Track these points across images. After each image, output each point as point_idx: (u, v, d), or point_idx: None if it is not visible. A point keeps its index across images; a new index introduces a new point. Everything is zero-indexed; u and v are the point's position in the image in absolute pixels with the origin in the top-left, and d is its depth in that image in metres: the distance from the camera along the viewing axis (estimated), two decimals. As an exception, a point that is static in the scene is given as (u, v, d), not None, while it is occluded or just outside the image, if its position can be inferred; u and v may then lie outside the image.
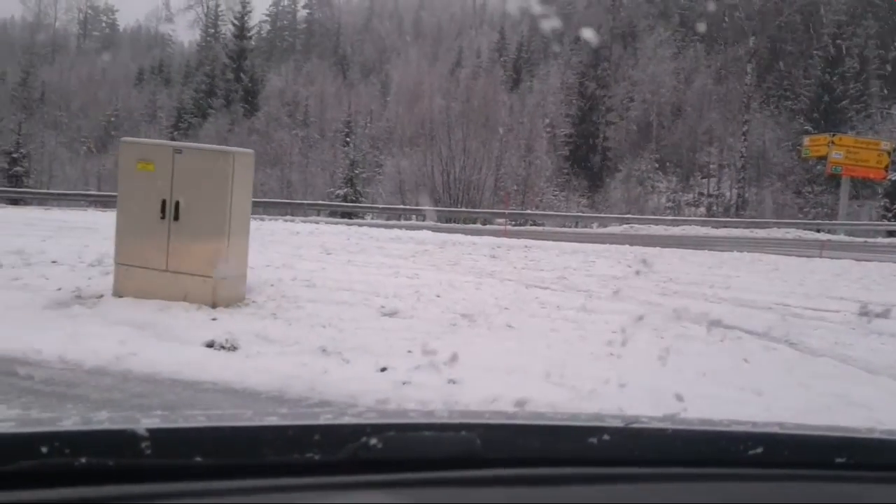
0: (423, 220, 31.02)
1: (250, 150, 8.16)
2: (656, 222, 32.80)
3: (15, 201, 29.11)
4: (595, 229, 32.17)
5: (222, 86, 62.60)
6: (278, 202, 34.62)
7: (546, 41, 76.62)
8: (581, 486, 1.04)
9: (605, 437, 1.15)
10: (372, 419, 1.13)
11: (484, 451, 1.03)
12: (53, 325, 6.28)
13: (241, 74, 62.35)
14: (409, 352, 5.89)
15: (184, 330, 6.32)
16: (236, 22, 66.24)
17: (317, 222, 25.28)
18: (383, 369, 5.29)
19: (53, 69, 73.23)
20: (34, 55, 75.49)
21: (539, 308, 8.31)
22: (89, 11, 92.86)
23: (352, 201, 35.75)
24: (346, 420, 1.11)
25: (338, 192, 36.80)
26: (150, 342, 5.86)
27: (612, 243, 19.69)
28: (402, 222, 29.90)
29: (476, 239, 19.55)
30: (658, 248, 18.87)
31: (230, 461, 0.97)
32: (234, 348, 5.76)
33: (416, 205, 36.66)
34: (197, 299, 7.42)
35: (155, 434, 0.98)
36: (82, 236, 13.86)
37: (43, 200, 30.19)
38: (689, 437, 1.22)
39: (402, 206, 34.26)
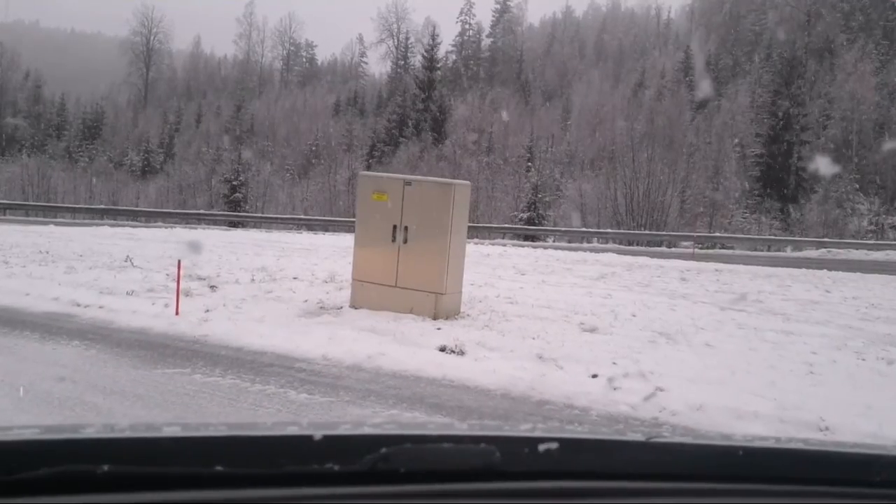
0: (607, 243, 31.24)
1: (467, 182, 9.19)
2: (856, 246, 30.87)
3: (234, 224, 32.71)
4: (789, 253, 30.79)
5: (412, 115, 66.00)
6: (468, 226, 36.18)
7: (734, 59, 73.94)
8: (601, 499, 1.04)
9: (627, 451, 1.17)
10: (391, 430, 1.16)
11: (503, 464, 1.03)
12: (311, 330, 7.54)
13: (430, 104, 65.58)
14: (615, 363, 6.54)
15: (417, 336, 7.36)
16: (426, 54, 69.79)
17: (504, 245, 26.37)
18: (594, 376, 5.98)
19: (261, 102, 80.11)
20: (244, 90, 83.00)
21: (736, 329, 8.63)
22: (291, 48, 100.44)
23: (535, 224, 36.63)
24: (366, 431, 1.13)
25: (521, 215, 37.86)
26: (393, 346, 6.93)
27: (807, 268, 19.06)
28: (585, 245, 30.30)
29: (663, 262, 19.65)
30: (858, 274, 18.05)
31: (250, 470, 0.97)
32: (461, 353, 6.70)
33: (598, 227, 36.90)
34: (422, 312, 8.50)
35: (176, 442, 1.02)
36: (306, 256, 15.70)
37: (258, 224, 33.67)
38: (711, 452, 1.22)
39: (584, 229, 34.59)
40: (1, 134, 63.33)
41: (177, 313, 7.92)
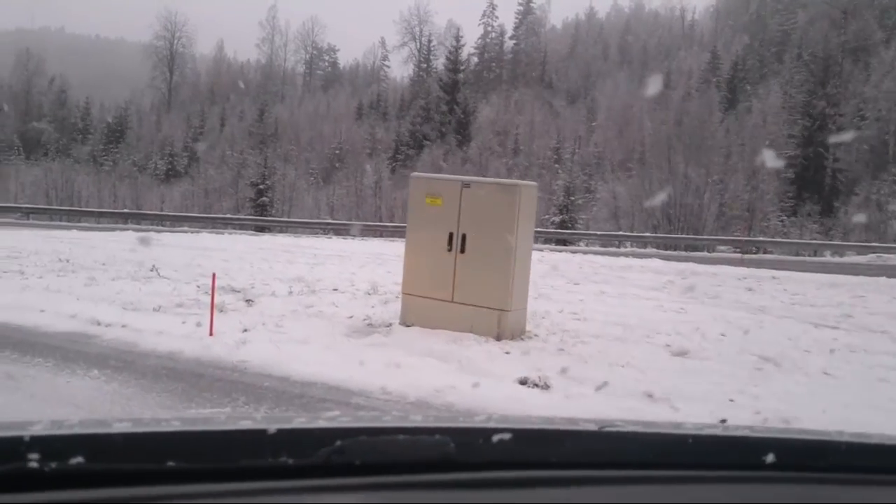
0: (645, 248, 30.06)
1: (534, 183, 8.16)
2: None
3: (260, 228, 31.87)
4: (830, 258, 29.39)
5: (436, 118, 65.14)
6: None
7: (763, 60, 72.36)
8: (554, 488, 1.05)
9: (580, 440, 1.17)
10: (346, 423, 1.13)
11: (458, 455, 1.03)
12: (363, 355, 6.54)
13: (455, 106, 64.64)
14: (732, 400, 5.48)
15: (486, 363, 6.34)
16: (450, 56, 68.97)
17: (540, 250, 25.29)
18: (723, 420, 4.92)
19: (284, 107, 79.86)
20: (267, 94, 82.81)
21: (849, 353, 7.51)
22: (314, 52, 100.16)
23: (567, 228, 35.48)
24: (320, 424, 1.10)
25: (553, 218, 36.71)
26: (461, 376, 5.91)
27: (864, 274, 17.80)
28: (623, 249, 29.15)
29: (713, 269, 18.48)
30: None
31: (203, 465, 0.96)
32: (546, 386, 5.66)
33: (632, 231, 35.69)
34: (482, 331, 7.48)
35: (127, 438, 0.98)
36: (341, 263, 14.75)
37: (284, 228, 32.80)
38: (662, 440, 1.22)
39: (624, 233, 33.42)
40: (27, 138, 63.23)
41: (211, 333, 6.96)
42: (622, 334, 8.06)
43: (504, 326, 7.53)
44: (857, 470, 1.20)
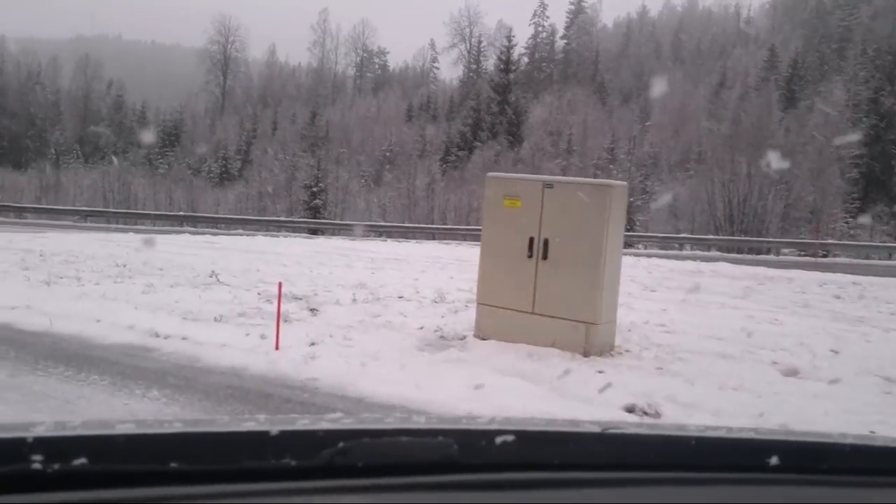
0: (709, 250, 28.92)
1: (624, 183, 7.46)
2: None
3: (314, 231, 31.61)
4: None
5: (487, 119, 64.47)
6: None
7: (823, 57, 70.01)
8: (557, 490, 1.04)
9: (583, 442, 1.17)
10: (348, 425, 1.12)
11: (461, 456, 1.03)
12: (441, 373, 5.95)
13: (506, 107, 63.86)
14: (873, 432, 4.71)
15: (580, 385, 5.68)
16: (501, 56, 68.23)
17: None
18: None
19: (334, 109, 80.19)
20: (319, 98, 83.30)
21: None
22: (364, 55, 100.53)
23: (627, 230, 34.46)
24: (323, 426, 1.10)
25: (610, 220, 35.69)
26: (556, 401, 5.27)
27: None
28: (682, 252, 28.09)
29: (788, 273, 17.44)
30: None
31: (206, 466, 0.95)
32: (657, 415, 4.98)
33: (692, 233, 34.47)
34: (567, 346, 6.82)
35: (130, 440, 0.97)
36: (400, 268, 14.22)
37: (336, 231, 32.50)
38: (665, 442, 1.21)
39: (684, 236, 32.30)
40: (85, 142, 64.56)
41: (276, 347, 6.44)
42: (721, 349, 7.30)
43: (592, 341, 6.85)
44: (861, 472, 1.18)
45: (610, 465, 1.11)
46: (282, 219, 32.73)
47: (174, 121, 71.70)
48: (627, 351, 7.08)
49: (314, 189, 36.02)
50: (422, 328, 7.75)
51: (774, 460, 1.13)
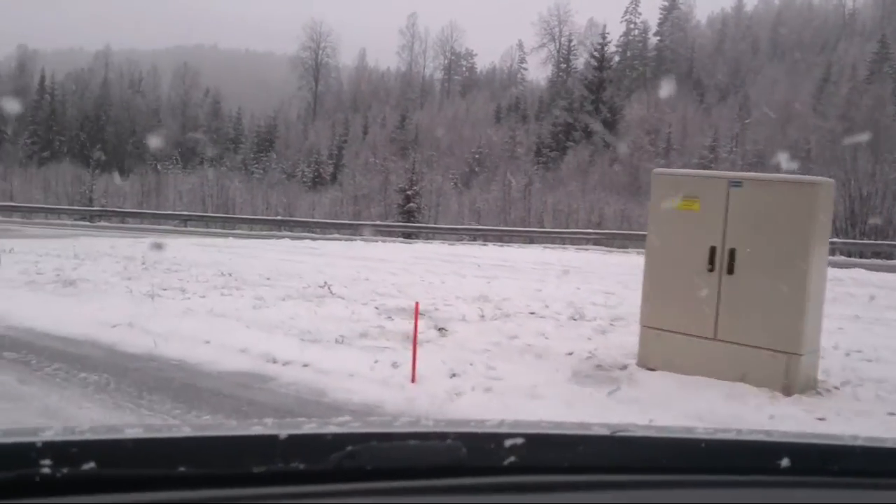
0: (834, 255, 26.60)
1: (830, 180, 6.11)
2: None
3: (408, 235, 30.85)
4: None
5: (581, 118, 62.76)
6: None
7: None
8: (567, 493, 1.04)
9: (592, 444, 1.16)
10: (356, 428, 1.12)
11: (469, 460, 1.03)
12: (613, 415, 4.79)
13: (600, 105, 61.94)
14: None
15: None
16: (595, 54, 66.40)
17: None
18: None
19: (423, 112, 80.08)
20: (407, 101, 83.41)
21: None
22: (452, 57, 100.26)
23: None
24: (331, 429, 1.08)
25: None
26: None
27: None
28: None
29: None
30: None
31: (213, 471, 0.95)
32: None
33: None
34: (761, 381, 5.53)
35: (138, 444, 0.98)
36: (514, 276, 13.15)
37: (430, 234, 31.64)
38: (674, 445, 1.21)
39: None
40: (184, 148, 66.31)
41: (413, 379, 5.41)
42: (949, 386, 5.85)
43: (794, 376, 5.54)
44: (873, 474, 1.16)
45: (620, 467, 1.10)
46: (377, 223, 32.12)
47: (268, 126, 72.93)
48: (836, 388, 5.74)
49: (408, 192, 35.32)
50: (571, 354, 6.59)
51: (785, 462, 1.11)
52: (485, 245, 25.06)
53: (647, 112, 60.88)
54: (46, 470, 0.87)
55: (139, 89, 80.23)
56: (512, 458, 1.04)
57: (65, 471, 0.88)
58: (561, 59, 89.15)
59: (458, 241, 29.56)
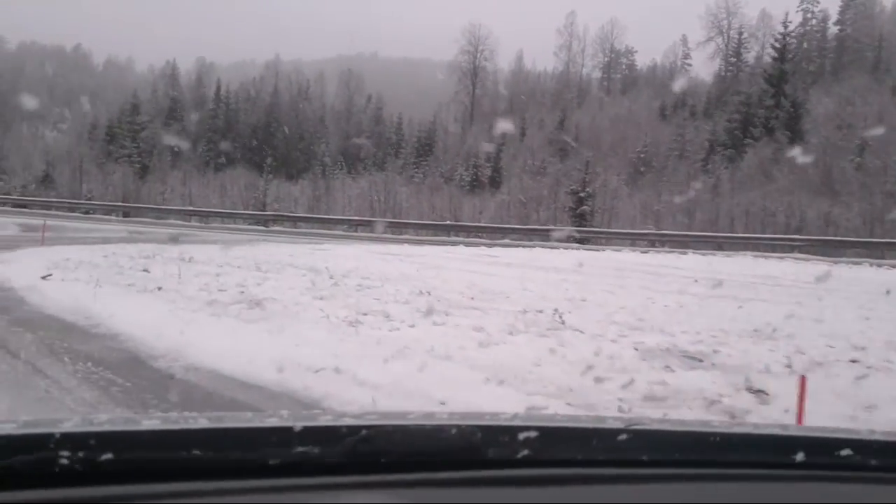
0: None
1: None
2: None
3: (580, 241, 28.67)
4: None
5: (760, 113, 57.81)
6: (854, 240, 27.73)
7: None
8: (581, 486, 1.03)
9: (606, 438, 1.15)
10: (372, 420, 1.12)
11: (484, 452, 1.03)
12: None
13: (782, 99, 56.75)
14: None
15: None
16: (776, 44, 61.19)
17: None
18: None
19: (583, 112, 77.59)
20: (564, 101, 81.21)
21: None
22: (611, 55, 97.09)
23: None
24: (346, 422, 1.09)
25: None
26: None
27: None
28: None
29: None
30: None
31: (230, 461, 0.96)
32: None
33: None
34: None
35: (156, 435, 0.99)
36: (757, 295, 10.75)
37: (602, 240, 29.28)
38: (689, 438, 1.20)
39: None
40: (348, 154, 67.57)
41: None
42: None
43: None
44: (888, 468, 1.15)
45: (634, 461, 1.08)
46: (549, 227, 30.19)
47: (427, 131, 73.07)
48: None
49: (581, 195, 33.13)
50: None
51: (800, 456, 1.10)
52: (684, 254, 22.45)
53: (837, 106, 55.05)
54: (65, 461, 0.87)
55: (306, 97, 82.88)
56: (526, 451, 1.02)
57: (83, 461, 0.88)
58: (730, 53, 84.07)
59: (630, 246, 27.20)
